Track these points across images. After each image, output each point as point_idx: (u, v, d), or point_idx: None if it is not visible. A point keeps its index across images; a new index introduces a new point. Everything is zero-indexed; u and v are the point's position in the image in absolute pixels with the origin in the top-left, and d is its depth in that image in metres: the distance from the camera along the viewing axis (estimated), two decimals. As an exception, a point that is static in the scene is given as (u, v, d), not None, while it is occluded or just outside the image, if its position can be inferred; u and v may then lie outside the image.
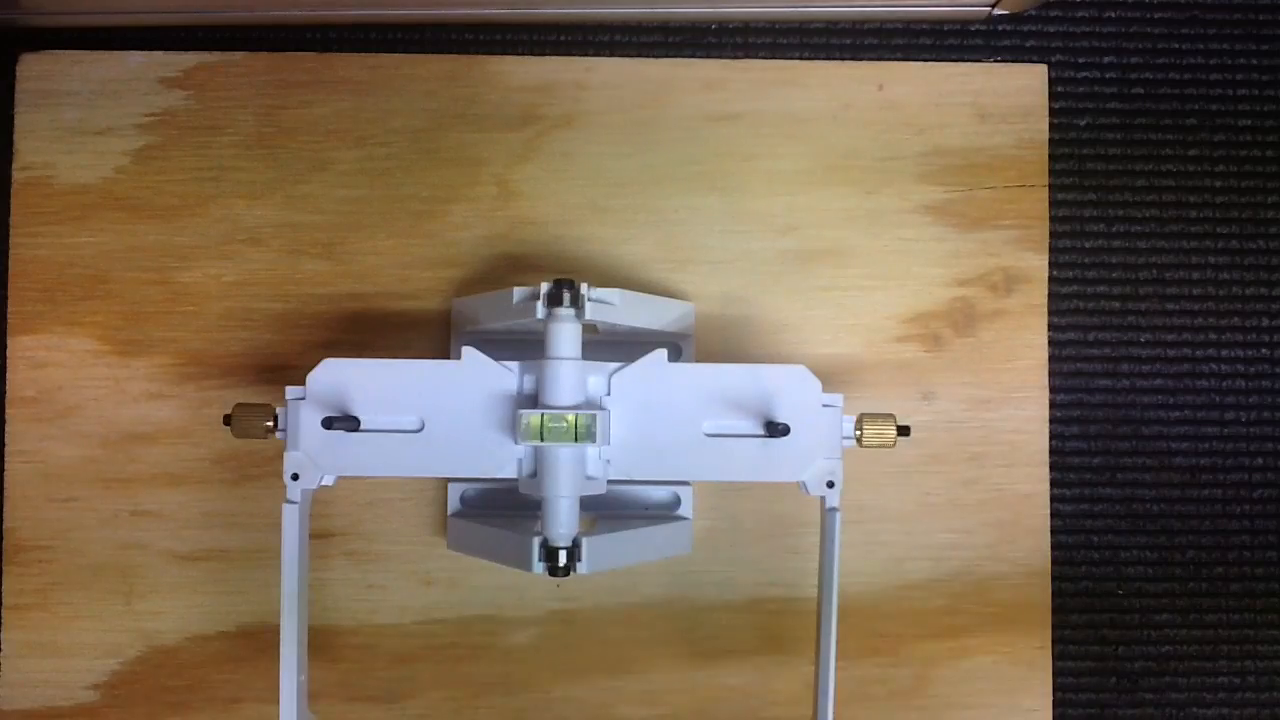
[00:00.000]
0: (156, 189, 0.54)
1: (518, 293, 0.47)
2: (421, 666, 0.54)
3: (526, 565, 0.45)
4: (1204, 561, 0.55)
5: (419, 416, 0.46)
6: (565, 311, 0.45)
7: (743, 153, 0.55)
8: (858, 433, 0.47)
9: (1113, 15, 0.56)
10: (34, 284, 0.54)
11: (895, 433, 0.47)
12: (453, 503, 0.53)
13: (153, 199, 0.54)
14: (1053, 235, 0.55)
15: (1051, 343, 0.55)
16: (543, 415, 0.44)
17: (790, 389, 0.46)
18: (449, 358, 0.52)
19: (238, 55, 0.55)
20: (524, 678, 0.54)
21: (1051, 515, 0.54)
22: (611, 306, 0.47)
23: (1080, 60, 0.56)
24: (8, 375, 0.54)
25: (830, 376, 0.53)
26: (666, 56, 0.55)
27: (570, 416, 0.44)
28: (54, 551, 0.53)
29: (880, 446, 0.47)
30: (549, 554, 0.45)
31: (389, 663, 0.54)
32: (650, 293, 0.53)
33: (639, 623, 0.54)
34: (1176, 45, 0.56)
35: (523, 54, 0.55)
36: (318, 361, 0.46)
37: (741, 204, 0.55)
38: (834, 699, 0.46)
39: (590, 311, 0.46)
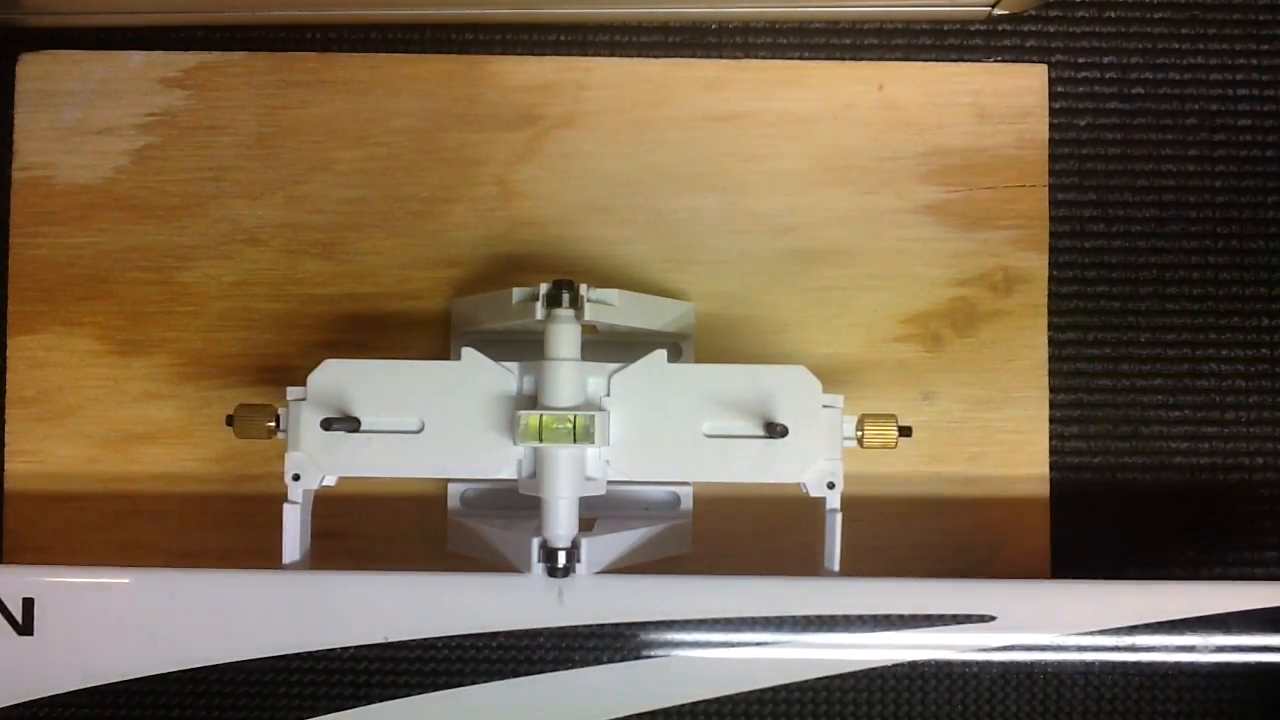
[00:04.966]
0: (156, 189, 0.54)
1: (517, 293, 0.47)
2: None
3: (526, 566, 0.45)
4: (1203, 562, 0.55)
5: (419, 417, 0.46)
6: (564, 312, 0.45)
7: (743, 153, 0.55)
8: (859, 433, 0.47)
9: (1113, 15, 0.56)
10: (34, 284, 0.54)
11: (897, 433, 0.47)
12: (453, 503, 0.53)
13: (153, 199, 0.54)
14: (1053, 235, 0.55)
15: (1051, 343, 0.55)
16: (541, 416, 0.44)
17: (790, 389, 0.46)
18: (449, 358, 0.52)
19: (238, 55, 0.55)
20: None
21: (1051, 515, 0.54)
22: (611, 307, 0.47)
23: (1080, 60, 0.56)
24: (8, 375, 0.54)
25: (830, 376, 0.53)
26: (666, 56, 0.55)
27: (569, 417, 0.44)
28: (54, 552, 0.53)
29: (882, 447, 0.47)
30: (548, 555, 0.45)
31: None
32: (650, 293, 0.53)
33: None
34: (1176, 45, 0.56)
35: (523, 54, 0.55)
36: (318, 362, 0.46)
37: (741, 204, 0.55)
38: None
39: (590, 312, 0.46)
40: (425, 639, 0.45)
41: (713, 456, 0.46)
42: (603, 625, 0.45)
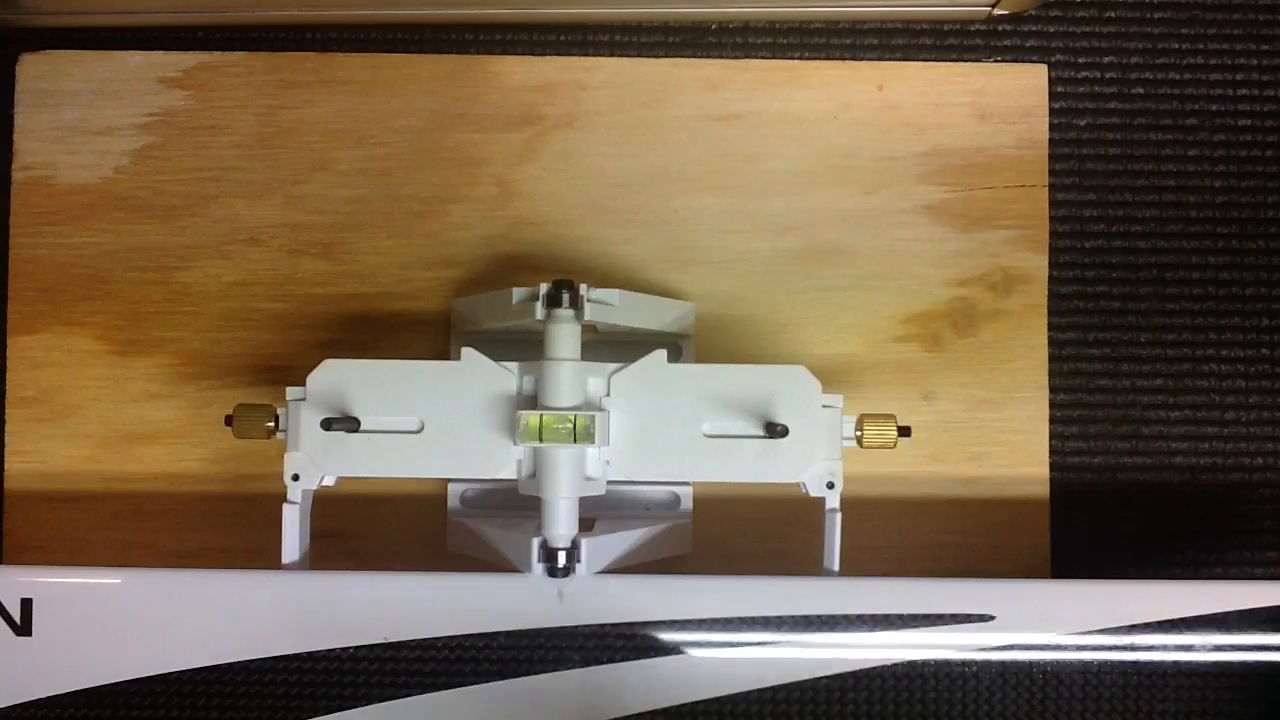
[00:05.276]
0: (156, 189, 0.54)
1: (517, 293, 0.47)
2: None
3: (526, 566, 0.45)
4: (1203, 562, 0.55)
5: (419, 417, 0.46)
6: (564, 312, 0.45)
7: (743, 153, 0.55)
8: (858, 433, 0.47)
9: (1113, 15, 0.56)
10: (34, 284, 0.54)
11: (896, 433, 0.47)
12: (453, 503, 0.53)
13: (153, 199, 0.54)
14: (1053, 235, 0.55)
15: (1051, 343, 0.55)
16: (541, 416, 0.44)
17: (790, 389, 0.46)
18: (449, 358, 0.52)
19: (238, 55, 0.55)
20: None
21: (1051, 515, 0.54)
22: (611, 307, 0.47)
23: (1080, 60, 0.56)
24: (8, 375, 0.54)
25: (830, 376, 0.53)
26: (666, 56, 0.55)
27: (570, 417, 0.44)
28: (54, 552, 0.53)
29: (881, 447, 0.47)
30: (548, 555, 0.45)
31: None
32: (650, 293, 0.53)
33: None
34: (1176, 45, 0.56)
35: (523, 54, 0.55)
36: (318, 362, 0.46)
37: (741, 204, 0.55)
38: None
39: (590, 312, 0.46)
40: (425, 639, 0.45)
41: (713, 456, 0.46)
42: (603, 625, 0.45)
